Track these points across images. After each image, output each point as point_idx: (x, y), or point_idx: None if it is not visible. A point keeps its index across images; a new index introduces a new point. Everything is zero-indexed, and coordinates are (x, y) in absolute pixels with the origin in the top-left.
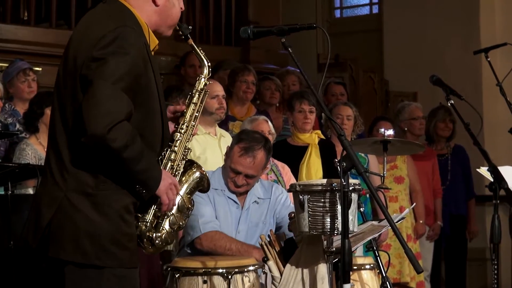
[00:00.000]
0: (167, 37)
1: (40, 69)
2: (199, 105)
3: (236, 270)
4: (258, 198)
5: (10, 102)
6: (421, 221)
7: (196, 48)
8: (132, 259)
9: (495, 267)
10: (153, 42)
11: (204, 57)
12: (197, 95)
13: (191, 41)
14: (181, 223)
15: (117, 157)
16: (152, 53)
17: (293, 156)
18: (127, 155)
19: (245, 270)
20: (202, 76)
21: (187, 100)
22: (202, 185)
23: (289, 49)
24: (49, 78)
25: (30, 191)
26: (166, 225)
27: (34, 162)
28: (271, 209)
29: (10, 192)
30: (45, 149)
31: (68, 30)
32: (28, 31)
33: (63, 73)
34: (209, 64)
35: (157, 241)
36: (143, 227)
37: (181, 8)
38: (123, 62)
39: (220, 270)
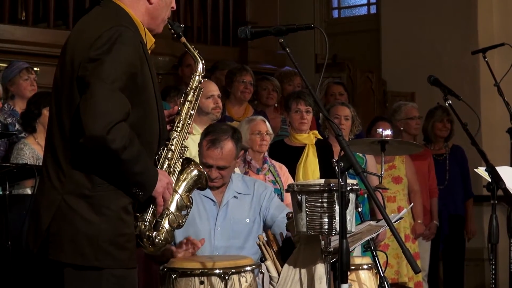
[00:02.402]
0: (163, 35)
1: (38, 69)
2: (194, 103)
3: (233, 270)
4: (238, 193)
5: (10, 102)
6: (419, 221)
7: (189, 46)
8: (131, 260)
9: (493, 267)
10: (150, 41)
11: (198, 55)
12: (191, 93)
13: (183, 39)
14: (180, 221)
15: (115, 158)
16: (149, 51)
17: (290, 156)
18: (125, 157)
19: (242, 270)
20: (196, 73)
21: (181, 99)
22: (201, 182)
23: (287, 49)
24: (47, 79)
25: (28, 191)
26: (166, 224)
27: (32, 162)
28: (255, 205)
29: (8, 192)
30: (43, 149)
31: (66, 30)
32: (26, 31)
33: (60, 75)
34: (203, 61)
35: (157, 240)
36: (143, 227)
37: (172, 7)
38: (119, 61)
39: (217, 271)
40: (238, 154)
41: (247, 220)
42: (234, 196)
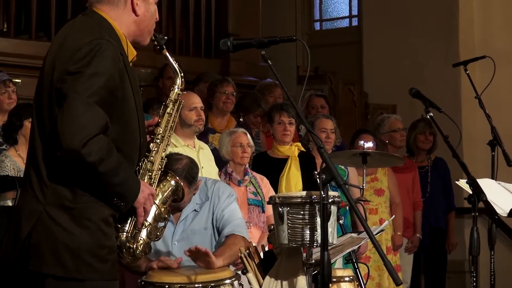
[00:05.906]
0: (145, 47)
1: (20, 80)
2: (174, 115)
3: (213, 284)
4: (196, 204)
5: None
6: (398, 233)
7: (170, 58)
8: (112, 271)
9: (474, 279)
10: (131, 53)
11: (178, 68)
12: (171, 105)
13: (165, 52)
14: (158, 233)
15: (93, 171)
16: (131, 64)
17: (273, 168)
18: (102, 169)
19: (221, 283)
20: (176, 86)
21: (161, 110)
22: (177, 194)
23: (269, 61)
24: (28, 90)
25: (9, 203)
26: (144, 235)
27: (13, 174)
28: (212, 209)
29: None
30: (24, 161)
31: (48, 42)
32: (8, 42)
33: (41, 86)
34: (182, 74)
35: (137, 251)
36: (123, 238)
37: (156, 18)
38: (98, 75)
39: (197, 285)
40: (192, 190)
41: (205, 229)
42: (194, 210)
